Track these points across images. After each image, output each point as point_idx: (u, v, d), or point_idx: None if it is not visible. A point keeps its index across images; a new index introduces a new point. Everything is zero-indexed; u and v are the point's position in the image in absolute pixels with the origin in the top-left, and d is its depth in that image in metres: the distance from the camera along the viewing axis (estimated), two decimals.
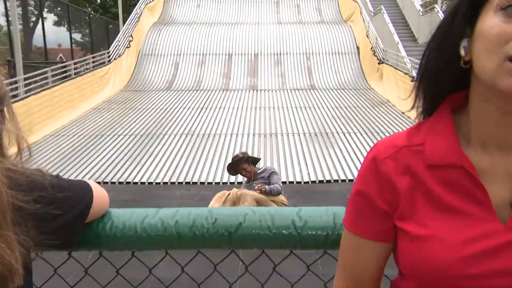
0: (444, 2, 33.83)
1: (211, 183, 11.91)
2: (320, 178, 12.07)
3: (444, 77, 1.38)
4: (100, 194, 1.80)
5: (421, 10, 29.49)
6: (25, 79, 17.96)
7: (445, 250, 1.30)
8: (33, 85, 18.18)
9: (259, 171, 9.08)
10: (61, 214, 1.58)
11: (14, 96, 16.64)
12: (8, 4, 20.64)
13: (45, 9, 46.45)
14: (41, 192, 1.52)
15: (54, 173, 1.64)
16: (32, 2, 49.02)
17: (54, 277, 2.13)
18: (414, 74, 19.85)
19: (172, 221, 1.91)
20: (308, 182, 11.94)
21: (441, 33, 1.34)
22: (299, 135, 15.71)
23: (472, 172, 1.30)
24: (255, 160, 9.33)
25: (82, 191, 1.71)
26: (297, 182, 11.92)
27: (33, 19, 50.24)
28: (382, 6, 28.38)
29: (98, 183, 11.40)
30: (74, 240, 1.71)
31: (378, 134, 15.50)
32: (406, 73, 20.18)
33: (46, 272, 2.07)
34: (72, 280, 2.22)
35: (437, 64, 1.37)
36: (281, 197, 8.71)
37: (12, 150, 1.62)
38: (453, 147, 1.33)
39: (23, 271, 1.44)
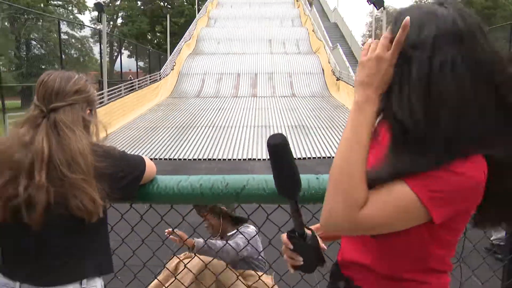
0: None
1: (225, 159, 11.89)
2: (298, 156, 12.01)
3: None
4: (150, 165, 1.83)
5: (362, 47, 29.64)
6: (108, 91, 18.45)
7: None
8: (112, 95, 18.41)
9: (230, 233, 3.23)
10: (124, 176, 1.67)
11: (101, 103, 17.36)
12: (101, 46, 21.40)
13: (123, 48, 47.45)
14: (113, 160, 1.62)
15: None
16: (115, 44, 49.89)
17: (121, 220, 2.10)
18: None
19: (198, 184, 1.89)
20: None
21: None
22: (285, 127, 15.71)
23: None
24: (235, 219, 3.15)
25: (139, 162, 1.76)
26: None
27: (115, 54, 51.26)
28: (338, 44, 28.48)
29: (151, 158, 11.51)
30: (133, 195, 1.77)
31: (337, 127, 15.44)
32: (353, 87, 20.23)
33: (116, 218, 2.03)
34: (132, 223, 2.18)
35: None
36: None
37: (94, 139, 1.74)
38: None
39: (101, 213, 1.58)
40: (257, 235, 3.03)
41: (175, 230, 2.74)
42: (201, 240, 2.87)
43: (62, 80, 1.67)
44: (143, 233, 2.24)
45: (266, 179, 1.89)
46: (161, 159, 11.90)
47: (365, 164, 1.13)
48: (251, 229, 3.13)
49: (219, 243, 2.95)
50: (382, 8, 21.16)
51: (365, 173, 1.12)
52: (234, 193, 1.86)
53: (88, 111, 1.71)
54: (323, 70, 26.45)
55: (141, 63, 44.50)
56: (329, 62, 25.74)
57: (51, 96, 1.63)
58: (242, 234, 2.79)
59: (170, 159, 11.94)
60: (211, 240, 2.94)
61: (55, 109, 1.62)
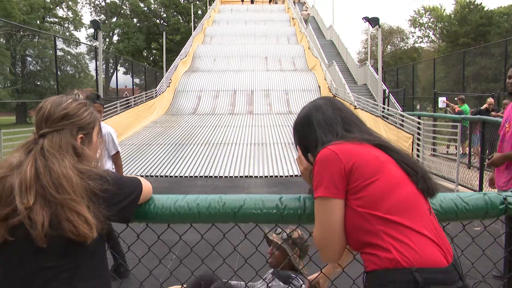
0: (372, 59, 34.04)
1: (221, 176, 11.87)
2: (296, 173, 12.00)
3: None
4: (146, 186, 1.85)
5: (358, 64, 29.94)
6: (104, 108, 18.16)
7: None
8: (108, 112, 18.41)
9: (280, 273, 2.91)
10: (121, 200, 1.69)
11: None
12: (97, 63, 21.38)
13: (119, 65, 47.82)
14: (108, 184, 1.64)
15: None
16: (111, 60, 50.20)
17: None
18: (356, 104, 19.97)
19: (195, 203, 1.91)
20: (287, 176, 11.88)
21: None
22: (280, 144, 15.71)
23: None
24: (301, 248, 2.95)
25: (135, 184, 1.79)
26: (280, 176, 11.86)
27: (111, 70, 51.55)
28: (334, 61, 28.59)
29: (147, 176, 11.43)
30: (130, 217, 1.78)
31: None
32: (350, 103, 20.23)
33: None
34: (129, 241, 2.18)
35: None
36: None
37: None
38: None
39: (97, 235, 1.60)
40: None
41: None
42: None
43: (53, 106, 1.72)
44: (140, 252, 2.25)
45: (263, 198, 1.91)
46: (157, 176, 11.89)
47: None
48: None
49: None
50: (377, 25, 21.28)
51: None
52: (231, 213, 1.88)
53: (81, 136, 1.73)
54: (319, 87, 26.55)
55: (137, 80, 44.67)
56: (325, 79, 25.84)
57: (41, 123, 1.71)
58: None
59: (166, 176, 11.93)
60: None
61: (43, 135, 1.69)
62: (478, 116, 11.37)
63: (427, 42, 66.01)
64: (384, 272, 1.55)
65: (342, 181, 1.65)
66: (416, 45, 66.42)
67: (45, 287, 1.59)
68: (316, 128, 1.85)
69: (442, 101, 19.70)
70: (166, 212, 1.90)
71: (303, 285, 2.41)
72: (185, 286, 2.67)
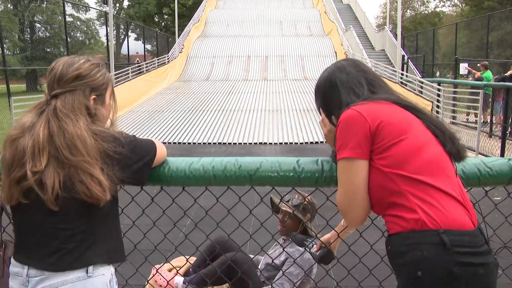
0: (390, 24, 33.48)
1: (235, 143, 11.88)
2: (311, 140, 11.97)
3: None
4: (161, 148, 1.86)
5: (376, 29, 29.50)
6: (115, 75, 18.43)
7: None
8: (119, 79, 18.42)
9: (297, 238, 2.82)
10: (135, 162, 1.69)
11: None
12: (108, 29, 21.51)
13: (130, 30, 47.63)
14: (122, 145, 1.64)
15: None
16: (122, 26, 49.99)
17: (131, 203, 2.12)
18: (374, 70, 19.71)
19: (210, 166, 1.90)
20: (302, 143, 11.84)
21: None
22: (295, 111, 15.63)
23: None
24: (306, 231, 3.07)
25: (150, 146, 1.78)
26: (295, 143, 11.83)
27: (122, 37, 51.40)
28: (351, 26, 28.23)
29: None
30: (144, 179, 1.77)
31: None
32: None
33: (126, 199, 2.04)
34: (143, 205, 2.19)
35: None
36: None
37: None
38: None
39: (110, 197, 1.60)
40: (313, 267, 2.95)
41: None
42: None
43: (65, 66, 1.70)
44: (154, 216, 2.26)
45: (279, 161, 1.89)
46: (169, 143, 11.92)
47: None
48: (307, 255, 2.90)
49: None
50: None
51: None
52: (247, 175, 1.86)
53: (94, 97, 1.72)
54: (335, 52, 26.24)
55: (148, 46, 44.48)
56: (341, 45, 25.53)
57: (54, 83, 1.69)
58: (299, 264, 2.76)
59: (178, 143, 11.96)
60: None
61: (56, 95, 1.68)
62: (501, 82, 11.16)
63: (449, 6, 64.55)
64: (409, 234, 1.52)
65: (367, 141, 1.62)
66: (438, 9, 65.05)
67: (60, 249, 1.61)
68: (340, 89, 1.80)
69: (464, 67, 19.34)
70: (181, 175, 1.89)
71: (314, 246, 2.46)
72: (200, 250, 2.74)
